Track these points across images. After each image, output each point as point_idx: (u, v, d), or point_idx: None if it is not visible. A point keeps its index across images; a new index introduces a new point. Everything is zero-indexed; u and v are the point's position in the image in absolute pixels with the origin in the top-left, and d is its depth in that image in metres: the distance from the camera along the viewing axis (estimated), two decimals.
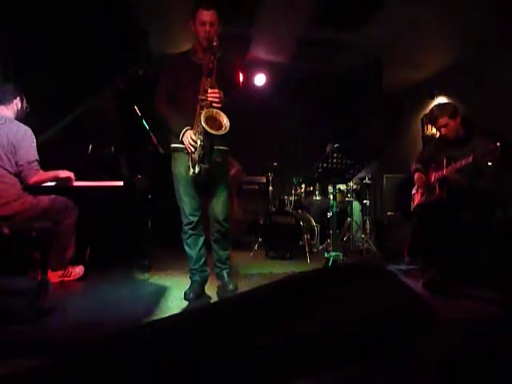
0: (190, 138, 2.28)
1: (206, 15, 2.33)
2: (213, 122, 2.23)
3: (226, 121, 2.24)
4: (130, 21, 4.51)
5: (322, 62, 5.81)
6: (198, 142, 2.25)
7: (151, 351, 0.58)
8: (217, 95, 2.26)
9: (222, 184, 2.54)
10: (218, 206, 2.52)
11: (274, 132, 6.23)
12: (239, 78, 2.61)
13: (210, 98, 2.25)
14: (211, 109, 2.25)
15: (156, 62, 5.19)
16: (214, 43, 2.27)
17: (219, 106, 2.26)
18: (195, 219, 2.48)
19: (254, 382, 0.56)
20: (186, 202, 2.46)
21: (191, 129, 2.31)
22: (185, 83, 2.38)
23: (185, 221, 2.49)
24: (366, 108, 6.18)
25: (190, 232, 2.50)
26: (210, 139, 2.25)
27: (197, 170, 2.28)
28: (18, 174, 2.63)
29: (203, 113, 2.21)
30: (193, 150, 2.28)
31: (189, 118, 2.33)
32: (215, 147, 2.34)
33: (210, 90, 2.26)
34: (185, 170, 2.39)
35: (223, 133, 2.22)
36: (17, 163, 2.60)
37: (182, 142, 2.33)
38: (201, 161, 2.26)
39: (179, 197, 2.49)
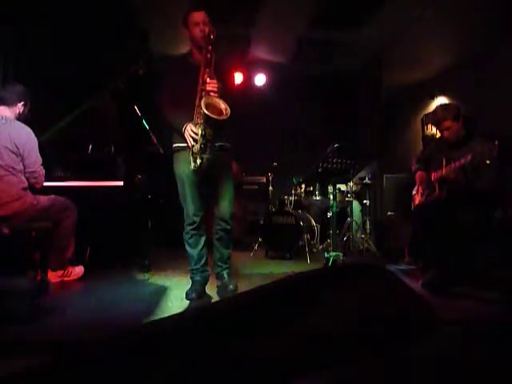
0: (190, 130, 2.28)
1: (198, 16, 2.43)
2: (213, 108, 2.22)
3: (225, 107, 2.24)
4: (130, 20, 4.51)
5: (322, 61, 5.81)
6: (200, 132, 2.24)
7: (151, 351, 0.58)
8: (215, 85, 2.29)
9: (227, 183, 2.55)
10: (224, 204, 2.53)
11: (274, 132, 6.24)
12: (234, 77, 2.65)
13: (208, 88, 2.28)
14: (211, 96, 2.27)
15: (156, 61, 5.20)
16: (212, 36, 2.34)
17: (216, 95, 2.29)
18: (198, 219, 2.49)
19: (254, 382, 0.56)
20: (190, 202, 2.47)
21: (191, 122, 2.32)
22: (185, 85, 2.39)
23: (188, 221, 2.50)
24: (365, 108, 6.18)
25: (192, 232, 2.51)
26: (211, 127, 2.24)
27: (198, 161, 2.26)
28: (28, 179, 2.66)
29: (203, 100, 2.22)
30: (193, 143, 2.27)
31: (190, 116, 2.33)
32: (219, 144, 2.39)
33: (208, 80, 2.29)
34: (188, 168, 2.36)
35: (224, 118, 2.22)
36: (26, 167, 2.62)
37: (184, 141, 2.34)
38: (202, 151, 2.25)
39: (183, 196, 2.49)
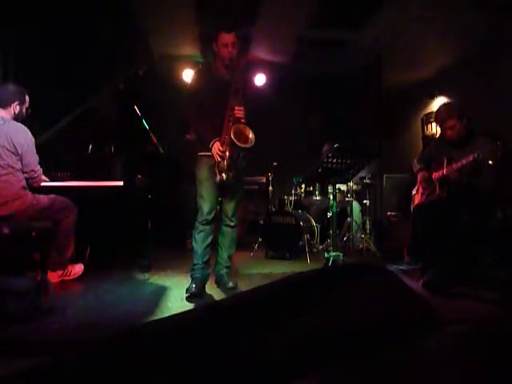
0: (217, 149, 2.48)
1: (228, 38, 2.55)
2: (240, 135, 2.48)
3: (251, 135, 2.50)
4: (131, 20, 4.51)
5: (321, 61, 5.81)
6: (227, 153, 2.47)
7: (151, 351, 0.58)
8: (242, 112, 2.50)
9: (240, 187, 2.77)
10: (231, 204, 2.73)
11: (274, 132, 6.23)
12: (256, 90, 2.82)
13: (237, 115, 2.48)
14: (239, 124, 2.49)
15: (156, 62, 5.21)
16: (242, 62, 2.57)
17: (244, 121, 2.50)
18: (210, 217, 2.64)
19: (254, 382, 0.56)
20: (206, 202, 2.62)
21: (219, 139, 2.50)
22: (210, 97, 2.57)
23: (200, 218, 2.64)
24: (366, 108, 6.17)
25: (202, 228, 2.63)
26: (237, 150, 2.51)
27: (224, 177, 2.47)
28: (27, 179, 2.65)
29: (233, 128, 2.45)
30: (219, 159, 2.47)
31: (215, 129, 2.53)
32: (240, 154, 2.59)
33: (236, 108, 2.48)
34: (210, 174, 2.57)
35: (249, 146, 2.50)
36: (25, 167, 2.62)
37: (209, 151, 2.51)
38: (228, 169, 2.49)
39: (200, 196, 2.64)
